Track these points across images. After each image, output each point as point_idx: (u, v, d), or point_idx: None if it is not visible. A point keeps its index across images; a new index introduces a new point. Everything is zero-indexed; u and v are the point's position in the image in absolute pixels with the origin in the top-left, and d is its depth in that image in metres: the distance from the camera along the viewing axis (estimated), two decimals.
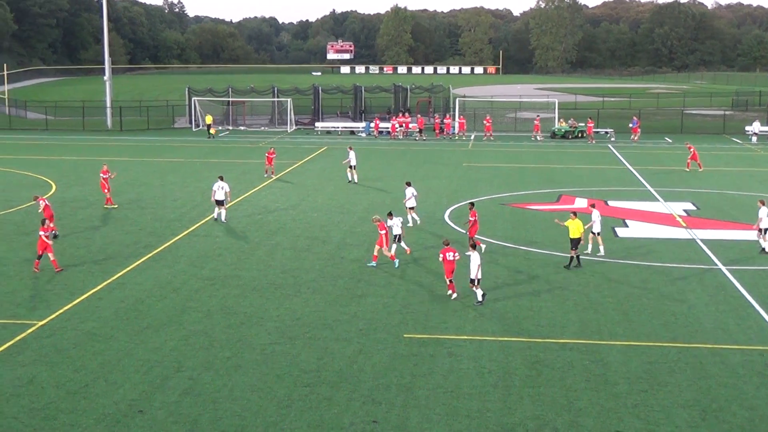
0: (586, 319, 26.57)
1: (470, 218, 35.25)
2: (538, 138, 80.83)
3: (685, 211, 44.14)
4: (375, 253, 32.88)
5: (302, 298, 28.71)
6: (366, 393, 20.79)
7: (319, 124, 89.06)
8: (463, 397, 20.58)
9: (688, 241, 37.50)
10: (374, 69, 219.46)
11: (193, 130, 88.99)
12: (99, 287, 29.88)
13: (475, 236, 34.62)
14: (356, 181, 52.85)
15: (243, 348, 23.91)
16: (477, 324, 26.04)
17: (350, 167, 53.29)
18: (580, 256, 32.83)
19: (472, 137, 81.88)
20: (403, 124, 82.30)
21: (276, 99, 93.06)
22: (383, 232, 32.39)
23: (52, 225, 36.03)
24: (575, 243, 32.23)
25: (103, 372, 22.12)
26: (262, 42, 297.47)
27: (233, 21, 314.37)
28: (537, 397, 20.56)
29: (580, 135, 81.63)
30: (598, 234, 34.57)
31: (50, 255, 32.01)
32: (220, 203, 40.93)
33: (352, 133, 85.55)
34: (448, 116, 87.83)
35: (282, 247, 35.95)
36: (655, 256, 34.63)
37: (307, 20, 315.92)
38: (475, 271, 27.75)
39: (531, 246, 36.06)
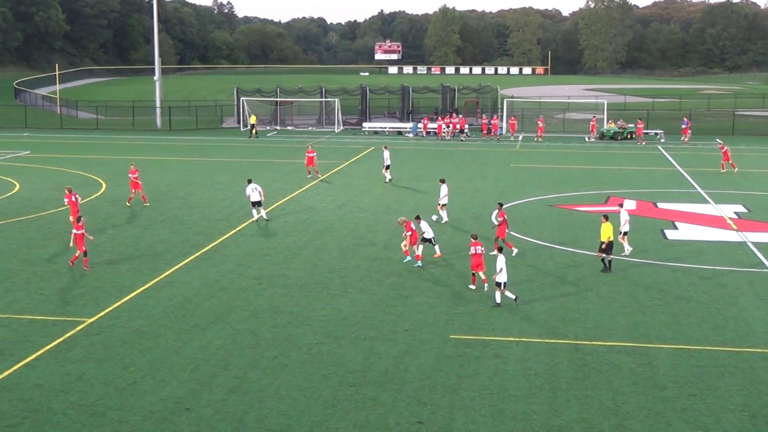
0: (633, 321, 26.34)
1: (498, 218, 34.87)
2: (591, 139, 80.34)
3: (735, 213, 43.60)
4: (418, 253, 32.93)
5: (348, 298, 28.77)
6: (411, 394, 20.78)
7: (366, 125, 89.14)
8: (508, 399, 20.50)
9: (739, 243, 37.04)
10: (422, 69, 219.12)
11: (242, 130, 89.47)
12: (147, 285, 30.16)
13: (506, 237, 34.52)
14: (388, 181, 53.02)
15: (289, 347, 24.01)
16: (523, 326, 25.92)
17: (385, 167, 53.42)
18: (608, 260, 32.36)
19: (520, 138, 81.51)
20: (450, 125, 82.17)
21: (324, 99, 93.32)
22: (410, 233, 32.55)
23: (73, 220, 36.92)
24: (606, 246, 31.89)
25: (150, 369, 22.33)
26: (311, 42, 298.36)
27: (282, 21, 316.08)
28: (583, 399, 20.43)
29: (629, 136, 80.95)
30: (625, 234, 34.35)
31: (79, 252, 32.57)
32: (256, 204, 41.32)
33: (400, 133, 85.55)
34: (495, 117, 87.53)
35: (328, 247, 36.04)
36: (704, 258, 34.25)
37: (355, 20, 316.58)
38: (500, 275, 27.64)
39: (578, 248, 35.82)
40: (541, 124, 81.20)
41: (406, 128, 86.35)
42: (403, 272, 31.97)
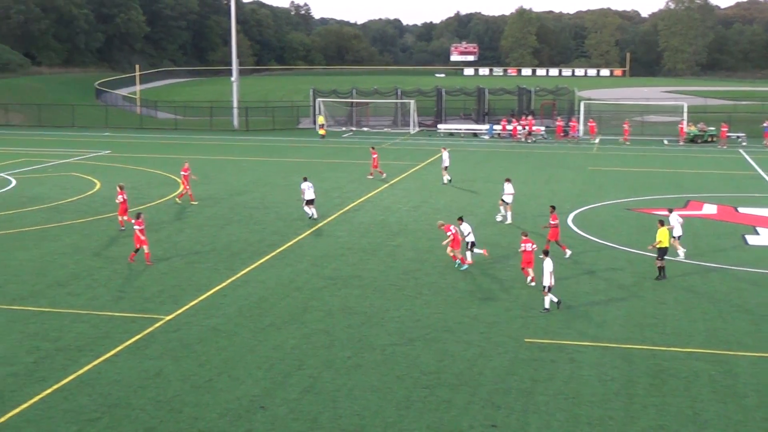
0: (713, 328, 25.91)
1: (551, 221, 34.36)
2: (681, 143, 79.27)
3: None
4: (461, 255, 32.83)
5: (423, 299, 28.76)
6: (485, 396, 20.71)
7: (441, 126, 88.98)
8: (584, 404, 20.32)
9: None
10: (498, 71, 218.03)
11: (317, 130, 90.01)
12: (224, 284, 30.51)
13: (559, 239, 34.32)
14: (445, 182, 53.11)
15: (363, 348, 24.09)
16: (599, 330, 25.66)
17: (444, 168, 53.52)
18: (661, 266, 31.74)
19: (598, 140, 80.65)
20: (526, 127, 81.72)
21: (399, 100, 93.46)
22: (450, 233, 32.44)
23: (126, 218, 38.70)
24: (661, 252, 31.30)
25: (226, 367, 22.58)
26: (386, 43, 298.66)
27: (358, 23, 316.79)
28: (661, 406, 20.15)
29: (710, 139, 79.64)
30: (678, 238, 33.92)
31: (145, 248, 33.27)
32: (310, 202, 41.80)
33: (475, 135, 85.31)
34: (574, 119, 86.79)
35: (403, 248, 36.09)
36: None
37: (431, 22, 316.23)
38: (547, 279, 27.36)
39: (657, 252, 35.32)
40: (626, 127, 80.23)
41: (481, 130, 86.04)
42: (478, 275, 31.87)
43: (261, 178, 55.30)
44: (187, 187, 46.43)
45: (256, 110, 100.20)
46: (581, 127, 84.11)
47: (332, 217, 42.26)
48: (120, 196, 39.40)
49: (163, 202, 46.44)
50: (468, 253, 33.04)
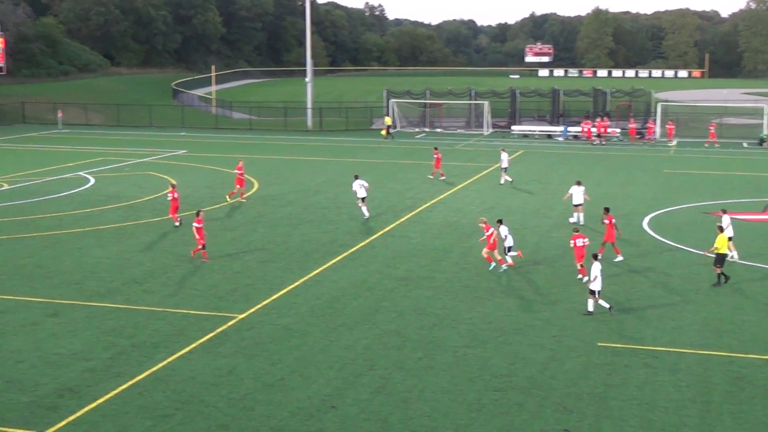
0: None
1: (605, 221, 33.94)
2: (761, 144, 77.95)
3: None
4: (500, 257, 32.64)
5: (495, 301, 28.63)
6: (557, 401, 20.54)
7: (515, 127, 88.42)
8: (658, 410, 20.03)
9: None
10: (573, 72, 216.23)
11: (390, 131, 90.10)
12: (296, 284, 30.71)
13: (615, 241, 33.93)
14: (502, 182, 53.02)
15: (435, 349, 24.06)
16: (675, 335, 25.29)
17: (502, 169, 53.44)
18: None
19: (675, 143, 79.40)
20: (602, 129, 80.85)
21: (473, 102, 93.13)
22: (488, 233, 32.28)
23: (177, 215, 39.86)
24: (719, 259, 30.53)
25: (298, 366, 22.72)
26: (460, 44, 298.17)
27: (432, 24, 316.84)
28: (738, 414, 19.77)
29: None
30: (729, 239, 33.06)
31: (200, 245, 33.86)
32: (363, 200, 42.41)
33: (549, 136, 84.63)
34: (651, 121, 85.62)
35: (476, 249, 35.88)
36: None
37: (505, 23, 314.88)
38: (597, 282, 27.02)
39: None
40: (712, 129, 78.87)
41: (555, 131, 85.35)
42: (551, 277, 31.63)
43: (334, 179, 55.52)
44: (243, 185, 47.34)
45: (330, 111, 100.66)
46: (658, 129, 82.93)
47: (404, 218, 42.28)
48: (170, 194, 40.47)
49: (237, 201, 46.92)
50: (507, 257, 32.96)
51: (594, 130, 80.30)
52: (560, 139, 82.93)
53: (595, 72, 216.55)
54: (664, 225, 40.92)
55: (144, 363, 22.85)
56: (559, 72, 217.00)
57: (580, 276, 30.97)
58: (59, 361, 22.99)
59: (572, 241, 31.03)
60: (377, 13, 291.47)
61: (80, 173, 57.72)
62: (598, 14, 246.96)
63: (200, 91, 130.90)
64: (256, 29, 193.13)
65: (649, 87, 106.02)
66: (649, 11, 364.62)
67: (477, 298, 28.96)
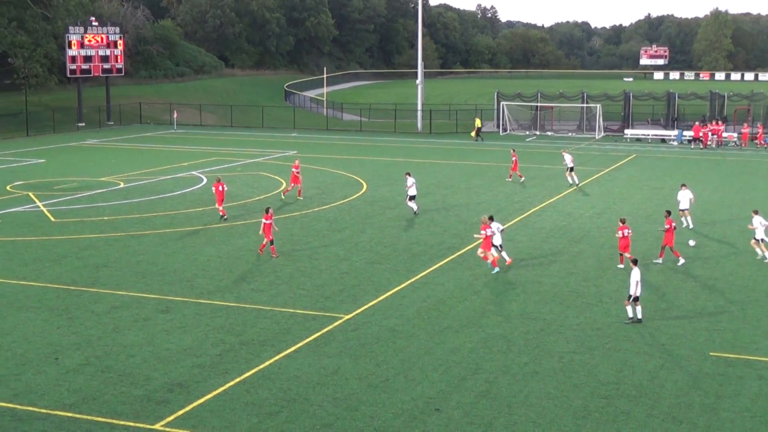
0: None
1: (666, 226, 33.72)
2: None
3: None
4: (492, 257, 32.66)
5: (603, 307, 28.23)
6: (666, 410, 20.13)
7: (628, 131, 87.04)
8: None
9: None
10: (689, 75, 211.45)
11: (500, 134, 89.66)
12: (403, 285, 30.77)
13: (673, 245, 33.78)
14: (570, 182, 53.05)
15: (541, 354, 23.85)
16: None
17: (568, 169, 53.45)
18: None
19: None
20: (717, 133, 79.01)
21: (585, 105, 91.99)
22: (484, 232, 32.26)
23: (221, 208, 41.55)
24: None
25: (403, 368, 22.76)
26: (573, 47, 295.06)
27: (545, 26, 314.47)
28: None
29: None
30: (762, 240, 33.42)
31: (266, 241, 34.57)
32: (413, 198, 43.88)
33: (663, 141, 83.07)
34: (760, 124, 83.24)
35: (585, 255, 35.51)
36: None
37: (620, 25, 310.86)
38: (633, 288, 26.42)
39: None
40: None
41: (670, 136, 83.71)
42: (661, 285, 31.04)
43: (443, 181, 55.50)
44: (299, 183, 48.38)
45: (440, 113, 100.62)
46: None
47: (513, 221, 42.02)
48: (215, 187, 41.97)
49: (346, 202, 47.27)
50: (503, 254, 33.26)
51: (710, 134, 78.44)
52: (674, 143, 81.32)
53: (712, 75, 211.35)
54: None
55: (251, 360, 23.19)
56: (674, 75, 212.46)
57: (621, 265, 32.85)
58: (170, 357, 23.50)
59: (620, 232, 32.81)
60: (489, 15, 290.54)
61: (193, 173, 58.93)
62: (717, 15, 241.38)
63: (312, 93, 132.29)
64: (368, 31, 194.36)
65: None
66: None
67: (585, 304, 28.59)
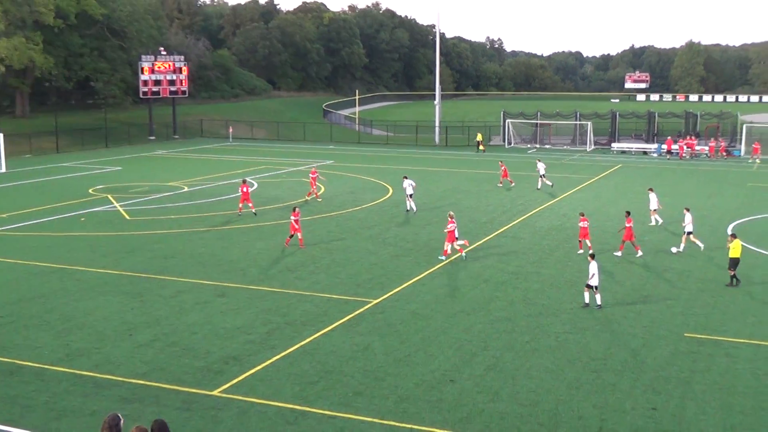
0: None
1: (626, 224, 34.02)
2: None
3: None
4: (446, 248, 33.28)
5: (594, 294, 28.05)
6: (647, 383, 20.01)
7: (615, 145, 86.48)
8: (738, 394, 19.31)
9: None
10: (668, 97, 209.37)
11: (506, 147, 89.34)
12: (423, 275, 30.74)
13: (633, 240, 34.16)
14: (539, 187, 53.92)
15: (540, 334, 23.76)
16: (755, 329, 24.33)
17: (540, 176, 54.27)
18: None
19: (758, 161, 76.23)
20: (691, 146, 78.41)
21: (578, 122, 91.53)
22: (450, 226, 33.16)
23: (251, 204, 42.65)
24: (734, 263, 29.18)
25: (423, 345, 22.75)
26: (568, 73, 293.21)
27: (544, 55, 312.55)
28: None
29: None
30: (690, 233, 34.81)
31: (299, 235, 35.09)
32: (410, 197, 44.68)
33: (645, 153, 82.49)
34: (722, 139, 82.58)
35: (578, 249, 35.31)
36: None
37: (608, 54, 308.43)
38: (594, 279, 26.23)
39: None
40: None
41: (650, 149, 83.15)
42: (644, 275, 30.85)
43: (456, 186, 55.37)
44: (314, 187, 49.20)
45: (454, 129, 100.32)
46: (743, 148, 79.85)
47: (516, 221, 41.86)
48: (240, 189, 43.36)
49: (374, 204, 47.27)
50: (456, 245, 33.67)
51: (676, 147, 77.91)
52: (654, 155, 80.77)
53: (687, 97, 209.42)
54: (747, 232, 39.38)
55: (294, 338, 23.23)
56: (654, 97, 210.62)
57: (580, 251, 34.32)
58: (225, 334, 23.59)
59: (581, 223, 34.46)
60: (496, 45, 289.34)
61: (246, 179, 58.97)
62: (691, 46, 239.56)
63: (346, 112, 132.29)
64: (394, 59, 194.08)
65: (736, 110, 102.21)
66: (738, 43, 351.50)
67: (578, 292, 28.42)
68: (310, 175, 49.99)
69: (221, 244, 36.26)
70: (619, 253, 34.22)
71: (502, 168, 56.20)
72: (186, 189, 53.71)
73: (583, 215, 34.81)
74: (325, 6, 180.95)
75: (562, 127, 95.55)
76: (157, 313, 25.68)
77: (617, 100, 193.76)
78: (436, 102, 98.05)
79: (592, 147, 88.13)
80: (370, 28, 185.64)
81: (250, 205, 43.03)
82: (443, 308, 26.43)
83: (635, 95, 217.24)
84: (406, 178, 45.55)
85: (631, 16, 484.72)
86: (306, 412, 18.27)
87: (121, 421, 12.34)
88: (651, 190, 42.40)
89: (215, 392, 19.29)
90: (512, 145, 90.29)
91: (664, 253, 34.50)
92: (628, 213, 34.73)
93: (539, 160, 56.94)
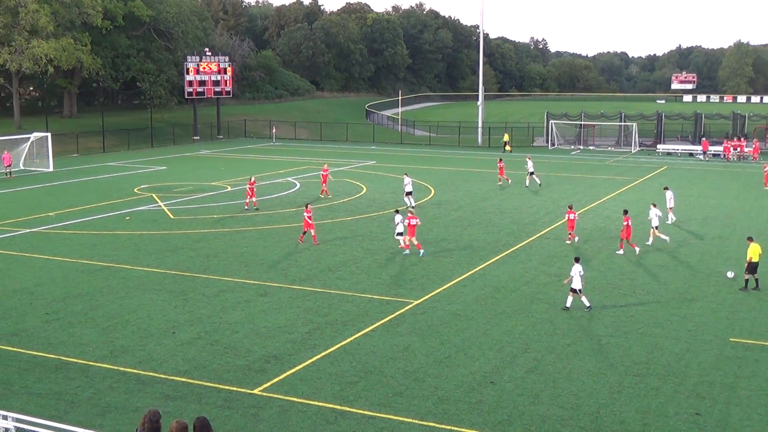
0: None
1: (624, 223, 34.79)
2: None
3: None
4: (405, 243, 34.25)
5: (637, 298, 27.80)
6: (691, 387, 19.76)
7: (660, 146, 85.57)
8: None
9: None
10: (715, 98, 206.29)
11: (549, 148, 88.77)
12: (464, 276, 30.66)
13: (630, 238, 34.57)
14: (527, 184, 55.10)
15: (582, 337, 23.57)
16: None
17: (528, 174, 55.88)
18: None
19: None
20: (738, 148, 77.24)
21: (623, 123, 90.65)
22: (413, 221, 34.08)
23: (254, 200, 45.17)
24: (752, 267, 28.52)
25: (463, 346, 22.68)
26: (613, 73, 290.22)
27: (588, 55, 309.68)
28: None
29: None
30: (656, 227, 36.34)
31: (312, 231, 35.76)
32: (409, 194, 46.30)
33: (691, 155, 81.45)
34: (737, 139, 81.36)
35: (623, 252, 34.96)
36: None
37: (654, 54, 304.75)
38: (576, 282, 26.02)
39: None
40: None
41: (696, 150, 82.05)
42: (688, 278, 30.45)
43: (498, 188, 55.10)
44: (325, 184, 50.59)
45: (497, 130, 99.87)
46: None
47: (559, 222, 41.55)
48: (249, 186, 45.18)
49: (416, 205, 47.17)
50: (400, 237, 35.00)
51: (732, 149, 76.69)
52: (700, 157, 79.70)
53: (735, 98, 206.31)
54: None
55: (335, 338, 23.30)
56: (701, 98, 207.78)
57: (569, 241, 36.32)
58: (267, 333, 23.74)
59: (567, 215, 36.68)
60: (541, 46, 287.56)
61: (289, 179, 59.41)
62: (740, 46, 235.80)
63: (388, 112, 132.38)
64: (437, 60, 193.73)
65: None
66: None
67: (621, 295, 28.19)
68: (322, 172, 51.49)
69: (263, 243, 36.49)
70: (621, 252, 34.88)
71: (500, 166, 57.39)
72: (229, 189, 54.11)
73: (571, 208, 37.22)
74: (369, 6, 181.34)
75: (606, 128, 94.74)
76: (200, 311, 25.92)
77: (663, 101, 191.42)
78: (479, 103, 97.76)
79: (637, 148, 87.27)
80: (414, 28, 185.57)
81: (248, 201, 45.35)
82: (484, 309, 26.33)
83: (681, 96, 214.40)
84: (406, 175, 47.59)
85: (677, 16, 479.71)
86: (346, 411, 18.31)
87: (161, 419, 12.50)
88: (666, 188, 43.40)
89: (256, 391, 19.41)
90: (556, 146, 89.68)
91: (710, 257, 34.02)
92: (626, 211, 35.73)
93: (529, 158, 58.48)
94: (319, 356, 21.75)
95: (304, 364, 21.12)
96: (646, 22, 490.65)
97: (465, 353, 22.13)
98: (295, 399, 18.97)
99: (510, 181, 56.54)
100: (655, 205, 37.18)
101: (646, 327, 24.57)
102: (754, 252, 28.70)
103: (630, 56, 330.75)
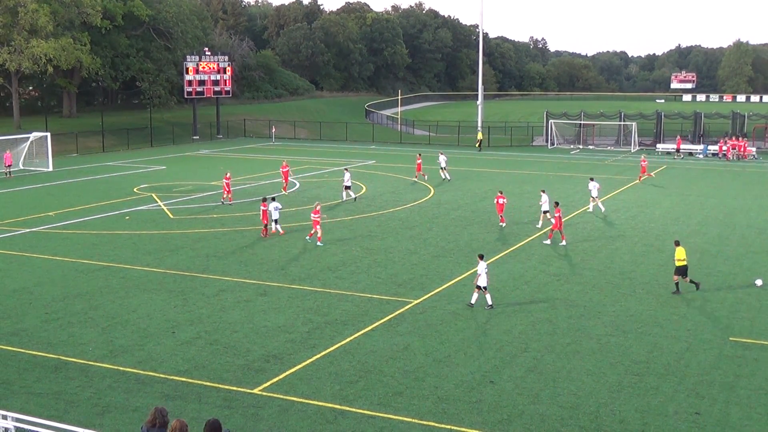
0: None
1: (555, 214, 36.38)
2: None
3: None
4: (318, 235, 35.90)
5: (636, 297, 27.81)
6: (690, 387, 19.76)
7: (660, 146, 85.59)
8: None
9: None
10: (714, 97, 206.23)
11: (549, 148, 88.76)
12: (463, 275, 30.65)
13: (561, 229, 36.44)
14: (443, 177, 56.77)
15: (581, 336, 23.57)
16: None
17: (441, 169, 57.73)
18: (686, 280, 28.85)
19: None
20: (737, 147, 77.26)
21: (622, 123, 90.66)
22: (315, 216, 35.89)
23: (229, 196, 46.97)
24: (681, 270, 28.27)
25: (463, 346, 22.68)
26: (612, 73, 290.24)
27: (588, 55, 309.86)
28: None
29: None
30: (595, 197, 42.34)
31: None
32: (348, 188, 48.24)
33: (690, 154, 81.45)
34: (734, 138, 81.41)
35: (621, 252, 35.01)
36: None
37: (653, 54, 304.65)
38: (482, 279, 26.05)
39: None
40: None
41: (696, 150, 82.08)
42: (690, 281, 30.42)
43: (498, 187, 54.97)
44: (287, 180, 52.51)
45: (497, 129, 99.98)
46: None
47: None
48: (225, 181, 46.73)
49: (416, 204, 47.22)
50: (276, 225, 37.61)
51: (715, 148, 76.79)
52: (700, 156, 79.73)
53: (734, 97, 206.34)
54: None
55: (335, 337, 23.31)
56: (701, 97, 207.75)
57: (501, 223, 39.64)
58: (266, 332, 23.74)
59: (496, 199, 39.90)
60: (540, 45, 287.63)
61: (289, 178, 59.27)
62: (739, 46, 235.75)
63: (388, 112, 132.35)
64: (436, 60, 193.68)
65: None
66: None
67: (620, 294, 28.20)
68: (281, 169, 52.89)
69: (262, 242, 36.48)
70: (548, 242, 36.41)
71: (418, 161, 59.05)
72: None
73: (501, 193, 40.50)
74: (368, 6, 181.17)
75: (606, 127, 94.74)
76: (200, 311, 25.92)
77: (662, 101, 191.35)
78: (478, 102, 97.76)
79: (637, 148, 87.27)
80: (413, 28, 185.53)
81: (225, 196, 46.85)
82: (484, 310, 26.31)
83: (681, 96, 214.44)
84: (346, 170, 49.72)
85: (677, 15, 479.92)
86: (345, 411, 18.32)
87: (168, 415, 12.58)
88: (592, 179, 45.59)
89: (256, 390, 19.41)
90: (555, 145, 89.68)
91: (709, 256, 34.04)
92: (557, 204, 37.13)
93: (441, 153, 60.59)
94: (318, 356, 21.75)
95: (304, 364, 21.12)
96: (646, 22, 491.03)
97: (464, 352, 22.13)
98: (294, 398, 18.97)
99: (426, 176, 58.06)
100: (544, 192, 40.39)
101: (646, 326, 24.58)
102: (678, 256, 28.37)
103: (629, 56, 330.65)
